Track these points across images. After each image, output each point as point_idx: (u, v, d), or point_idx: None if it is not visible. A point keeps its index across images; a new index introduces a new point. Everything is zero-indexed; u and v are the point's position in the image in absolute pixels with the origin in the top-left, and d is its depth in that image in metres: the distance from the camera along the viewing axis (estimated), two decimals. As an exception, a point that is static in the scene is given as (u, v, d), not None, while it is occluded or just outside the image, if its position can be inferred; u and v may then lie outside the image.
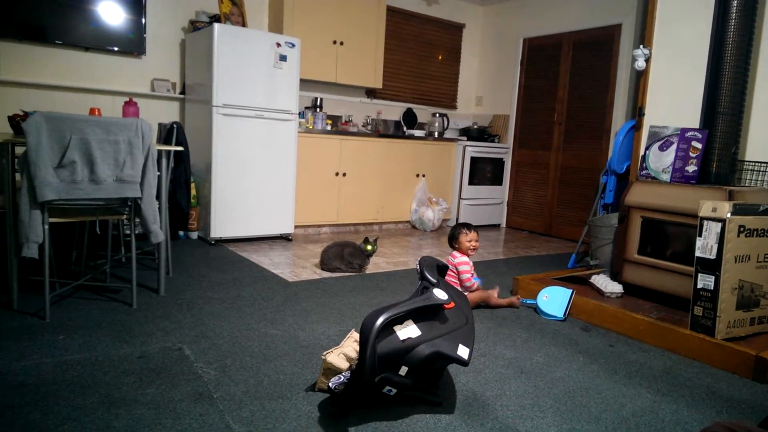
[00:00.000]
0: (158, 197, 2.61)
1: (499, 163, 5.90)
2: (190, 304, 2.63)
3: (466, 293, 2.85)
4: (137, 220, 2.51)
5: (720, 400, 1.99)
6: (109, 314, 2.42)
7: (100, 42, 4.00)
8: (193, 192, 4.14)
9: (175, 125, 3.08)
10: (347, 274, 3.45)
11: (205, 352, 2.07)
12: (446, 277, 2.86)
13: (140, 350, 2.05)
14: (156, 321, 2.37)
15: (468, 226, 2.99)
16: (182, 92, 4.43)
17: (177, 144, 3.05)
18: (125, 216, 2.53)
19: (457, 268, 2.89)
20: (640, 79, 3.66)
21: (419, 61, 5.90)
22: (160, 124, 3.40)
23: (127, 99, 3.52)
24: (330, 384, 1.69)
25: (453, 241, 2.97)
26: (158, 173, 2.59)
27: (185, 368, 1.92)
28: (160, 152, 2.69)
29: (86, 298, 2.62)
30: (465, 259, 2.91)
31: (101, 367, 1.88)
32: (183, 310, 2.54)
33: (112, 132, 2.36)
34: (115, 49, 4.07)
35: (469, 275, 2.88)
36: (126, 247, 3.44)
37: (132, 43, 4.13)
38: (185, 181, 3.24)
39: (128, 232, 3.49)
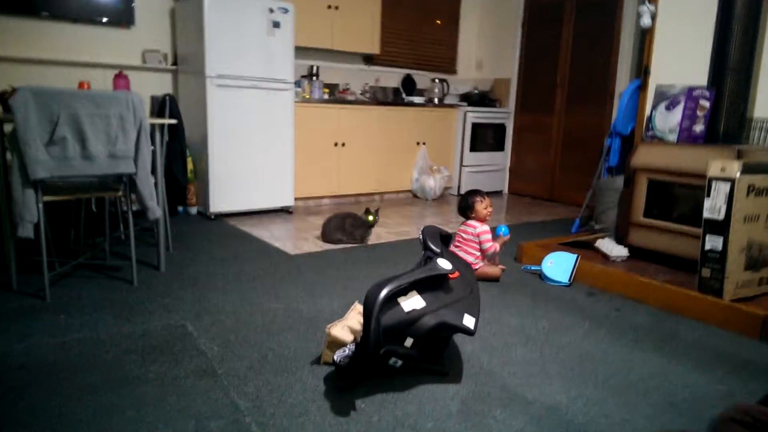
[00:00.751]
0: (153, 172, 2.56)
1: (500, 129, 5.80)
2: (191, 280, 2.60)
3: (479, 265, 2.79)
4: (133, 196, 2.47)
5: (728, 361, 1.97)
6: (109, 292, 2.39)
7: (88, 13, 3.87)
8: (190, 166, 4.08)
9: (167, 97, 3.00)
10: (349, 245, 3.42)
11: (208, 328, 2.05)
12: (461, 246, 2.83)
13: (142, 328, 2.03)
14: (157, 298, 2.35)
15: (481, 193, 2.89)
16: (174, 63, 4.32)
17: (171, 117, 2.98)
18: (121, 193, 2.48)
19: (479, 237, 2.79)
20: (645, 37, 3.54)
21: (417, 25, 5.74)
22: (152, 97, 3.32)
23: (117, 72, 3.43)
24: (335, 357, 1.68)
25: (468, 211, 2.86)
26: (152, 147, 2.53)
27: (188, 345, 1.90)
28: (153, 126, 2.62)
29: (86, 276, 2.60)
30: (486, 227, 2.81)
31: (103, 346, 1.86)
32: (184, 286, 2.52)
33: (103, 106, 2.29)
34: (104, 20, 3.95)
35: (490, 243, 2.79)
36: (125, 224, 3.40)
37: (121, 14, 4.01)
38: (181, 154, 3.19)
39: (126, 208, 3.45)
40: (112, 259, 2.87)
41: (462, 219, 2.94)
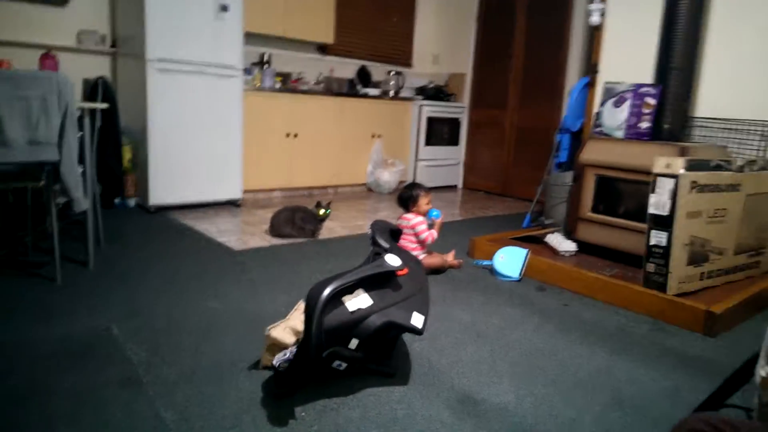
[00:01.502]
0: (81, 161, 2.36)
1: (455, 123, 5.78)
2: (122, 278, 2.42)
3: (422, 257, 2.76)
4: (57, 186, 2.27)
5: (673, 356, 1.98)
6: (28, 291, 2.19)
7: (16, -12, 3.58)
8: (128, 155, 3.84)
9: (100, 80, 2.78)
10: (299, 240, 3.30)
11: (137, 331, 1.89)
12: (402, 240, 2.78)
13: (62, 332, 1.85)
14: (82, 298, 2.16)
15: (425, 188, 2.88)
16: (113, 45, 4.06)
17: (104, 100, 2.76)
18: (43, 182, 2.28)
19: (415, 229, 2.79)
20: (594, 34, 3.58)
21: (373, 16, 5.63)
22: (85, 80, 3.09)
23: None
24: (274, 361, 1.57)
25: (410, 203, 2.83)
26: (80, 134, 2.33)
27: (112, 350, 1.74)
28: (82, 110, 2.42)
29: (3, 274, 2.37)
30: (421, 218, 2.82)
31: (15, 353, 1.68)
32: (114, 285, 2.34)
33: (22, 87, 2.09)
34: (36, -4, 3.66)
35: (427, 233, 2.79)
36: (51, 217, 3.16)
37: (54, -9, 3.72)
38: (115, 142, 2.97)
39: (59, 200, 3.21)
40: (35, 255, 2.65)
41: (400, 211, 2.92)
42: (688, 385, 1.77)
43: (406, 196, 2.85)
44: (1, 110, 2.04)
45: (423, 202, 2.83)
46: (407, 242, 2.78)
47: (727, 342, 2.15)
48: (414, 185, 2.90)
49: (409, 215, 2.83)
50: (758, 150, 2.97)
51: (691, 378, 1.82)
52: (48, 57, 3.01)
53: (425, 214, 2.85)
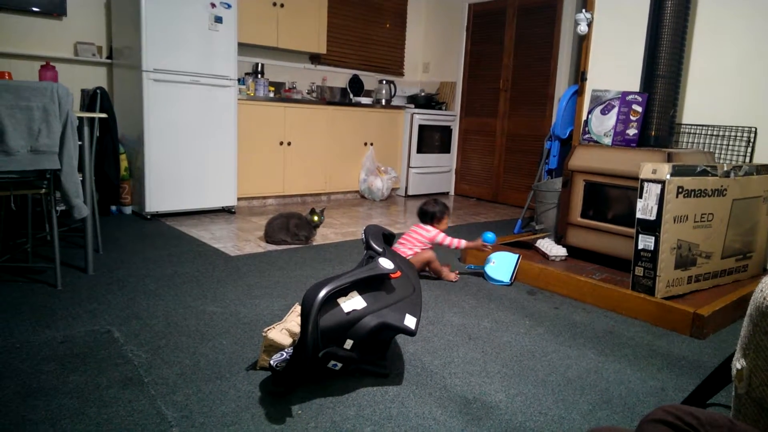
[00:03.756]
0: (81, 169, 2.41)
1: (446, 131, 5.86)
2: (121, 283, 2.46)
3: (411, 256, 2.79)
4: (58, 194, 2.31)
5: (660, 357, 2.04)
6: (30, 297, 2.23)
7: (16, 1, 3.62)
8: (124, 164, 3.88)
9: (98, 91, 2.83)
10: (293, 246, 3.35)
11: (137, 334, 1.93)
12: (407, 242, 2.82)
13: (64, 334, 1.89)
14: (83, 302, 2.20)
15: (449, 209, 2.96)
16: (109, 56, 4.11)
17: (102, 111, 2.81)
18: (44, 190, 2.32)
19: (435, 239, 2.82)
20: (582, 43, 3.66)
21: (365, 26, 5.72)
22: (83, 91, 3.13)
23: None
24: (271, 361, 1.61)
25: (434, 219, 2.87)
26: (80, 143, 2.38)
27: (113, 352, 1.78)
28: (81, 120, 2.47)
29: (4, 280, 2.41)
30: (438, 231, 2.86)
31: (18, 355, 1.72)
32: (113, 289, 2.38)
33: (24, 97, 2.13)
34: (34, 9, 3.71)
35: (450, 238, 2.83)
36: (50, 223, 3.19)
37: (52, 4, 3.77)
38: (113, 150, 3.02)
39: (50, 207, 3.24)
40: (35, 261, 2.68)
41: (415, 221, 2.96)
42: (674, 385, 1.82)
43: (432, 212, 2.89)
44: (3, 120, 2.08)
45: (444, 223, 2.91)
46: (405, 248, 2.81)
47: (714, 344, 2.20)
48: (442, 204, 2.94)
49: (428, 226, 2.86)
50: (744, 155, 3.06)
51: (678, 378, 1.87)
52: (47, 68, 3.05)
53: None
